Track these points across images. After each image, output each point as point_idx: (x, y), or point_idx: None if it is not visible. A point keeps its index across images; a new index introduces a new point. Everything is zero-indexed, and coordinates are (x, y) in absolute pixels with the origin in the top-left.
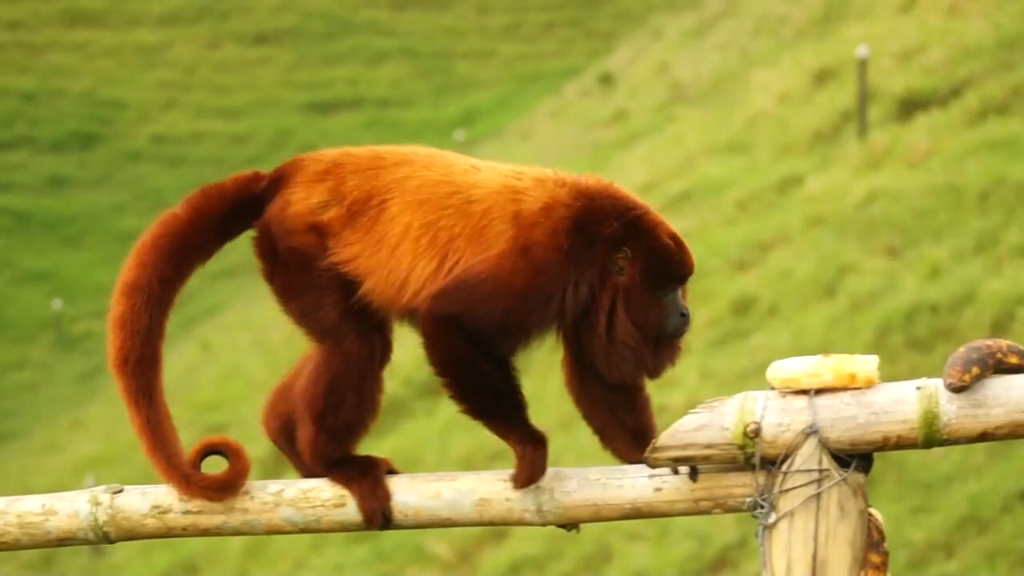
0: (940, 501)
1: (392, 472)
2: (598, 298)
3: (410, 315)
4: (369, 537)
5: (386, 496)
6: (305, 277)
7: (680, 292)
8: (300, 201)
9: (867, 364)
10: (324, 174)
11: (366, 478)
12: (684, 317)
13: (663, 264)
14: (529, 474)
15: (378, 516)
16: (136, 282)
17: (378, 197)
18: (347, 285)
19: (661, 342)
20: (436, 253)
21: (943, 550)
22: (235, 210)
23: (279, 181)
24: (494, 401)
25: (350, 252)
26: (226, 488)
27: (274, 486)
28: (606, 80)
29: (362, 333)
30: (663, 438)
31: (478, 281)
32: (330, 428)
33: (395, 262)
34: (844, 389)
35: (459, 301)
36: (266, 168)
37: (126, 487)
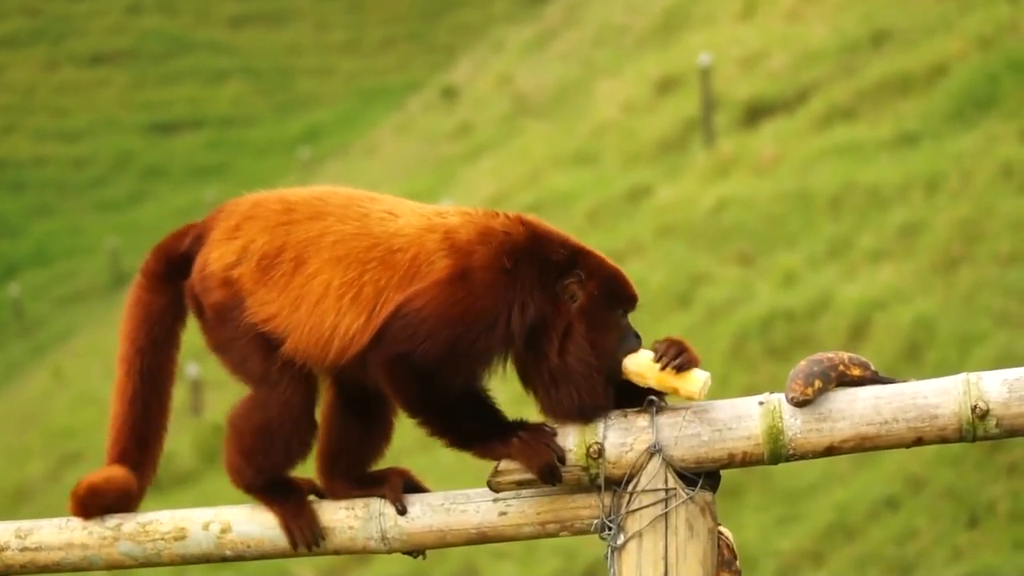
0: (807, 509)
1: (415, 486)
2: (551, 322)
3: (349, 370)
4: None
5: (311, 516)
6: (228, 333)
7: (627, 319)
8: (215, 260)
9: (691, 384)
10: (235, 230)
11: (288, 500)
12: (638, 339)
13: (617, 286)
14: (535, 459)
15: (305, 536)
16: (121, 354)
17: (291, 252)
18: (271, 341)
19: (610, 376)
20: (363, 309)
21: (812, 558)
22: (173, 269)
23: (201, 237)
24: (471, 427)
25: (267, 311)
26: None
27: (112, 520)
28: (449, 94)
29: (294, 380)
30: (505, 462)
31: (419, 317)
32: (257, 464)
33: (316, 320)
34: (684, 406)
35: (403, 340)
36: (110, 190)
37: None
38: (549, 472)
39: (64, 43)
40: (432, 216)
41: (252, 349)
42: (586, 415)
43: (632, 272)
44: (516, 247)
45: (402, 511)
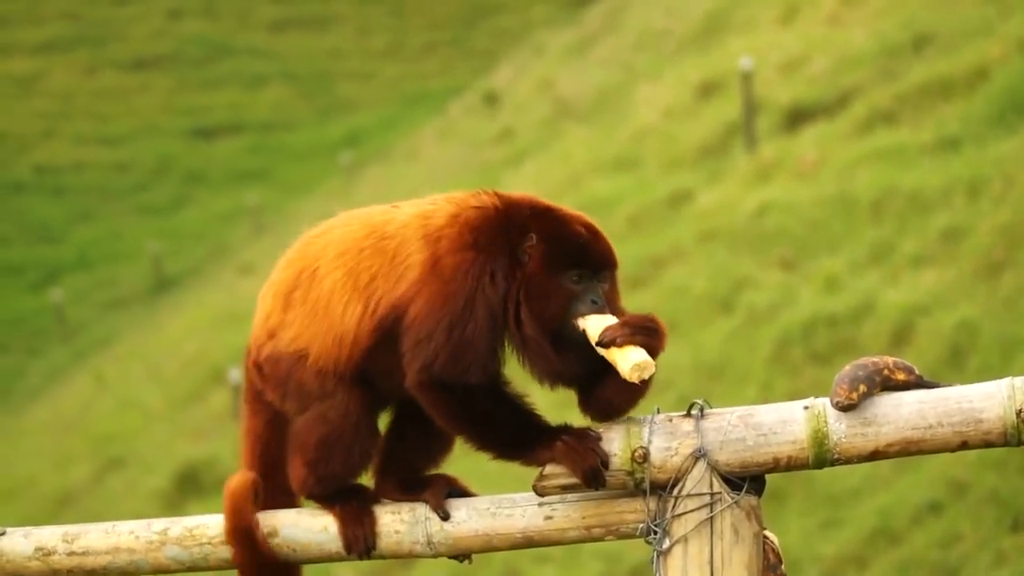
0: (850, 514)
1: (461, 491)
2: (510, 289)
3: (355, 372)
4: None
5: (371, 523)
6: (280, 373)
7: (597, 285)
8: (256, 325)
9: (623, 361)
10: (265, 294)
11: (350, 504)
12: (595, 304)
13: (567, 247)
14: (579, 463)
15: (360, 543)
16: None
17: (306, 271)
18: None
19: (567, 341)
20: (359, 296)
21: (855, 563)
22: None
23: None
24: (513, 436)
25: (294, 331)
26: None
27: (159, 524)
28: (490, 98)
29: (348, 390)
30: (551, 466)
31: (416, 326)
32: (319, 473)
33: (329, 319)
34: (729, 410)
35: (417, 356)
36: (151, 195)
37: (8, 529)
38: (593, 476)
39: (105, 48)
40: (424, 204)
41: (301, 373)
42: (544, 382)
43: (673, 277)
44: (481, 220)
45: (444, 517)
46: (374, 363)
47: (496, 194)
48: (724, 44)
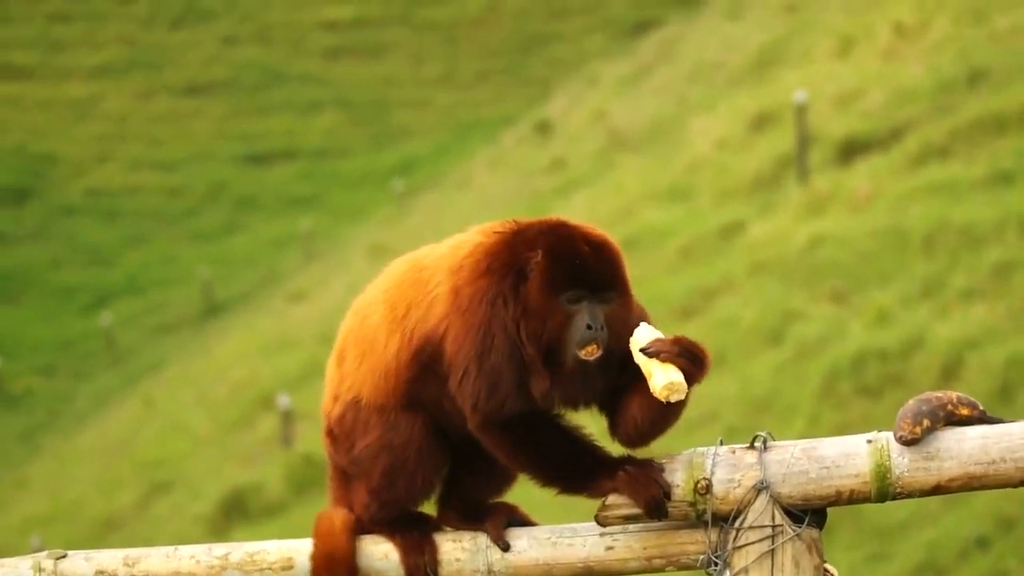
0: (897, 548)
1: (522, 520)
2: (516, 308)
3: (408, 401)
4: None
5: (433, 552)
6: (347, 428)
7: (597, 308)
8: (325, 397)
9: (657, 377)
10: (330, 359)
11: (411, 532)
12: (591, 330)
13: (565, 265)
14: (642, 494)
15: (421, 571)
16: None
17: (358, 318)
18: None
19: (565, 364)
20: (397, 327)
21: None
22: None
23: None
24: (575, 468)
25: (349, 379)
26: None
27: (220, 549)
28: (543, 128)
29: (412, 419)
30: (613, 496)
31: (456, 364)
32: (383, 500)
33: (375, 355)
34: (792, 443)
35: (467, 396)
36: (203, 220)
37: (69, 552)
38: (656, 506)
39: (160, 73)
40: (461, 236)
41: (361, 416)
42: (544, 404)
43: (724, 309)
44: (498, 245)
45: (505, 548)
46: (419, 393)
47: (520, 219)
48: (778, 76)
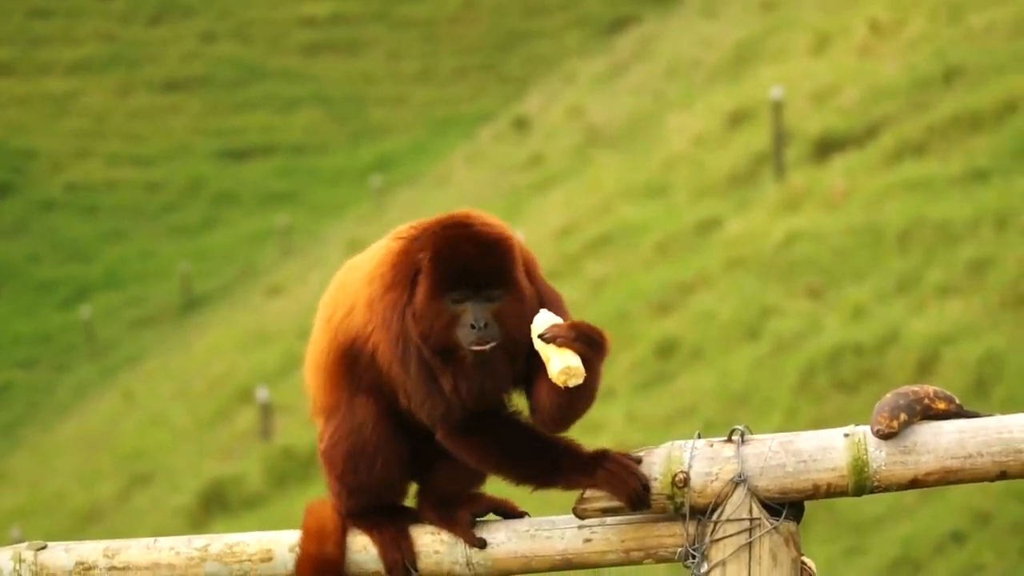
0: (873, 543)
1: (502, 509)
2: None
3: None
4: None
5: (409, 546)
6: (320, 428)
7: (482, 307)
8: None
9: (554, 362)
10: None
11: (388, 527)
12: (474, 329)
13: (448, 265)
14: (622, 488)
15: (399, 567)
16: None
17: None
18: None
19: (465, 359)
20: (328, 327)
21: None
22: None
23: None
24: (548, 464)
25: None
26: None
27: (199, 541)
28: (520, 124)
29: (354, 399)
30: (591, 489)
31: (390, 375)
32: (350, 487)
33: (317, 355)
34: (770, 436)
35: (416, 409)
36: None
37: (49, 543)
38: (637, 499)
39: (138, 69)
40: (383, 240)
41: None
42: (453, 403)
43: (701, 304)
44: (400, 255)
45: (480, 545)
46: (360, 382)
47: (422, 222)
48: (755, 74)
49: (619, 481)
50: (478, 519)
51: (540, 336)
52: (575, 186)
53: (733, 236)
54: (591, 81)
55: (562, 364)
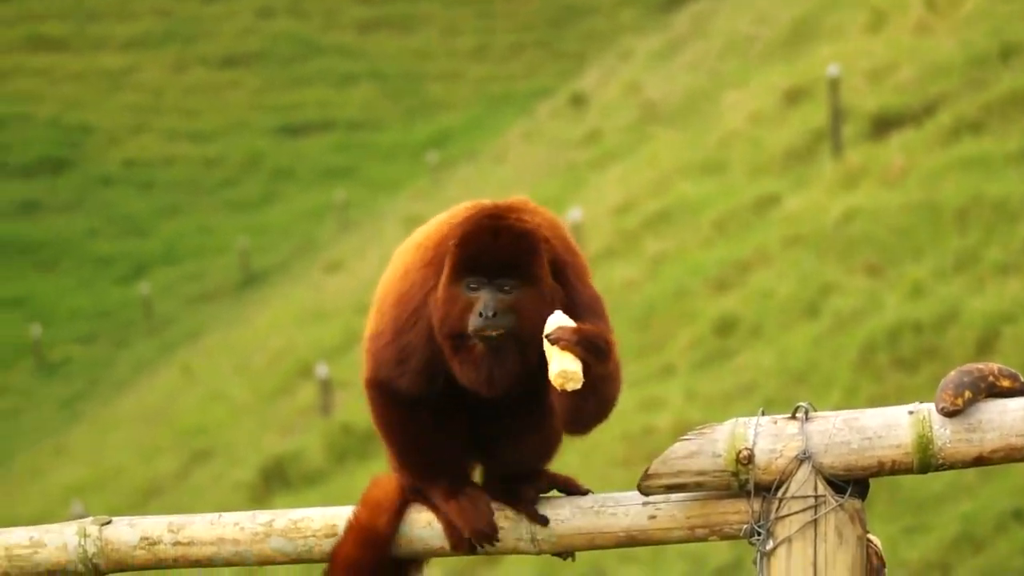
0: (934, 521)
1: (575, 490)
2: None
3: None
4: None
5: (491, 518)
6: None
7: (495, 296)
8: None
9: (553, 363)
10: None
11: (450, 502)
12: (482, 317)
13: (465, 251)
14: (469, 524)
15: (480, 537)
16: None
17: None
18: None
19: (475, 346)
20: (374, 318)
21: (939, 570)
22: None
23: None
24: (425, 464)
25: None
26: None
27: (264, 516)
28: (577, 101)
29: (410, 375)
30: (655, 465)
31: (378, 317)
32: (404, 463)
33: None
34: (834, 413)
35: (374, 351)
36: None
37: (114, 518)
38: (483, 538)
39: (195, 45)
40: (441, 215)
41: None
42: (477, 386)
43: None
44: (438, 234)
45: (543, 522)
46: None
47: (476, 204)
48: (812, 51)
49: (468, 517)
50: (542, 496)
51: (546, 336)
52: (632, 163)
53: (791, 213)
54: (647, 58)
55: (560, 367)
